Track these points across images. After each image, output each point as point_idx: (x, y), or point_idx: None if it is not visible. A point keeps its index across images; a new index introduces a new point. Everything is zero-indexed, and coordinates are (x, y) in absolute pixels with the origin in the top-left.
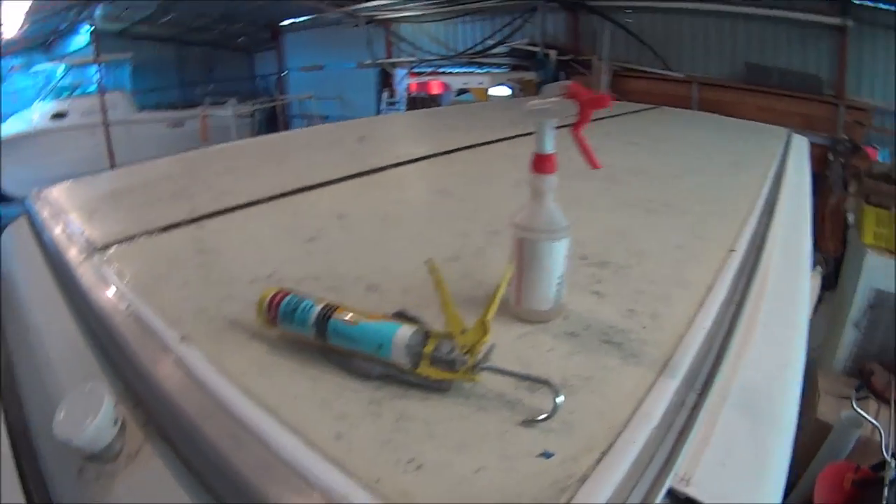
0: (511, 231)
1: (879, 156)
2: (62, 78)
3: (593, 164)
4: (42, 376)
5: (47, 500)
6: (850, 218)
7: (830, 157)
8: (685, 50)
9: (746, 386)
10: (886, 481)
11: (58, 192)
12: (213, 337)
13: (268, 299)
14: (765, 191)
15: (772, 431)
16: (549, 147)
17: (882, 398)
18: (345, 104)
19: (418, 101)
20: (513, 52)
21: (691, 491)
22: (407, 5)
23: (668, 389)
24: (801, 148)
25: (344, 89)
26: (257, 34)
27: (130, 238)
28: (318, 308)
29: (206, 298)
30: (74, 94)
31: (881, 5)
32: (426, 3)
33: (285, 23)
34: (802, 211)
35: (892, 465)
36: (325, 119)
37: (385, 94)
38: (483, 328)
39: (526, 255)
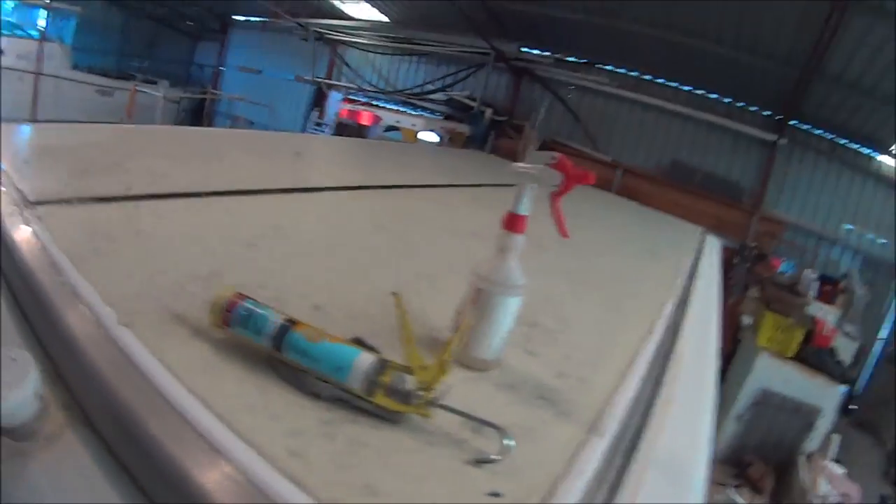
0: (471, 279)
1: (782, 266)
2: (8, 14)
3: (564, 234)
4: None
5: None
6: (746, 320)
7: (736, 260)
8: (616, 135)
9: (668, 454)
10: None
11: None
12: (154, 326)
13: (224, 300)
14: (679, 282)
15: (689, 494)
16: (525, 209)
17: (756, 488)
18: (273, 114)
19: (346, 128)
20: (450, 102)
21: None
22: (360, 32)
23: (598, 448)
24: (713, 247)
25: (276, 99)
26: (207, 22)
27: (66, 201)
28: (279, 319)
29: (146, 284)
30: (16, 33)
31: (817, 130)
32: (379, 34)
33: (237, 17)
34: (713, 305)
35: None
36: (252, 125)
37: (315, 114)
38: (443, 368)
39: (481, 305)
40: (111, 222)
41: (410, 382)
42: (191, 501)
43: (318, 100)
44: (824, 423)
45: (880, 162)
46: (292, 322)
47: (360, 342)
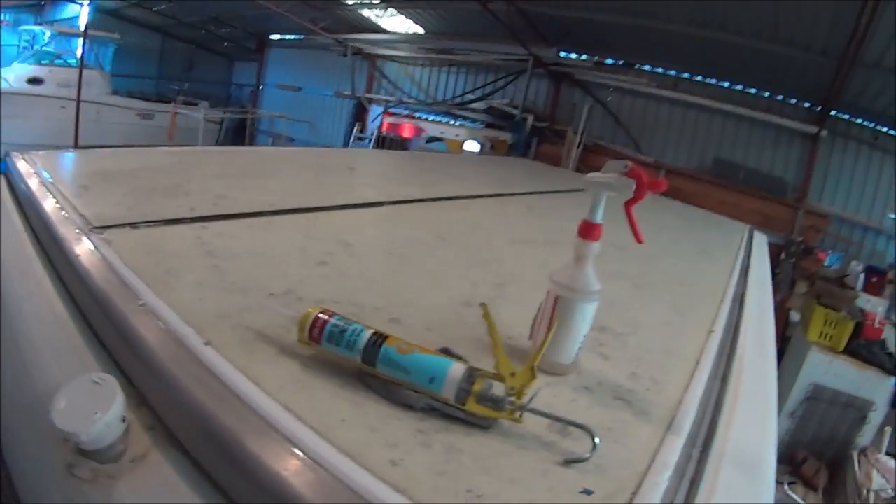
0: (550, 287)
1: (828, 260)
2: (47, 44)
3: (638, 239)
4: (23, 359)
5: (12, 496)
6: (794, 316)
7: (783, 256)
8: (658, 136)
9: (739, 447)
10: None
11: (43, 160)
12: (239, 346)
13: (313, 317)
14: (734, 280)
15: (762, 488)
16: (599, 217)
17: (811, 485)
18: (314, 130)
19: (388, 142)
20: (490, 110)
21: None
22: (397, 45)
23: (676, 444)
24: (761, 244)
25: (316, 115)
26: (243, 42)
27: (132, 225)
28: (369, 333)
29: (225, 304)
30: (55, 62)
31: (857, 120)
32: (417, 46)
33: (273, 37)
34: (767, 302)
35: None
36: (292, 141)
37: (356, 128)
38: (532, 374)
39: (560, 312)
40: (180, 244)
41: (499, 389)
42: None
43: (359, 114)
44: (877, 417)
45: None
46: (383, 336)
47: (448, 352)
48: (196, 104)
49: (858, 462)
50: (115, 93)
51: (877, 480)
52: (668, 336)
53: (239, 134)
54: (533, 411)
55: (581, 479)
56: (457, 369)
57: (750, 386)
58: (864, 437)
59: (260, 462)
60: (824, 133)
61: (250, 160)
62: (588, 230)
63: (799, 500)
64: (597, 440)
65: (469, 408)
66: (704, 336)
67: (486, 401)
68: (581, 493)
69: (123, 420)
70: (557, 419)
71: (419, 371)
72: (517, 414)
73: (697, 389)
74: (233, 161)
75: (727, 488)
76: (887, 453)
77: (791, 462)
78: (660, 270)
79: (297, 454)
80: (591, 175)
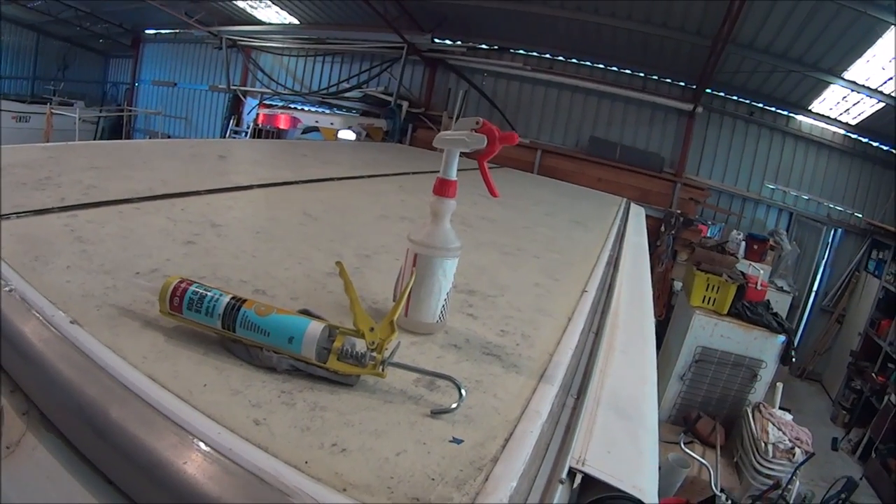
0: (408, 246)
1: (710, 231)
2: None
3: (493, 193)
4: None
5: None
6: (677, 285)
7: (662, 228)
8: (534, 117)
9: (615, 394)
10: None
11: None
12: (105, 322)
13: (172, 286)
14: (608, 246)
15: (642, 430)
16: (453, 174)
17: (707, 443)
18: (190, 125)
19: (264, 134)
20: (366, 98)
21: (587, 469)
22: (272, 36)
23: (549, 393)
24: (638, 214)
25: (192, 111)
26: (118, 38)
27: (3, 216)
28: (227, 298)
29: (92, 285)
30: None
31: (733, 97)
32: (291, 37)
33: (149, 31)
34: (643, 264)
35: (722, 498)
36: (169, 138)
37: (232, 122)
38: (391, 327)
39: (420, 270)
40: (49, 232)
41: (360, 346)
42: (164, 483)
43: (235, 107)
44: (767, 374)
45: (799, 121)
46: (241, 300)
47: (307, 313)
48: (72, 104)
49: (753, 417)
50: None
51: (773, 433)
52: (538, 296)
53: (116, 133)
54: (396, 365)
55: (450, 429)
56: (315, 328)
57: (626, 338)
58: (756, 393)
59: (124, 431)
60: (700, 110)
61: (123, 152)
62: (443, 187)
63: (697, 456)
64: (463, 391)
65: (331, 365)
66: (577, 296)
67: (348, 357)
68: (450, 442)
69: None
70: (421, 371)
71: (278, 332)
72: (380, 368)
73: (570, 342)
74: (105, 154)
75: (605, 432)
76: (781, 407)
77: (685, 421)
78: (532, 240)
79: (161, 421)
80: (442, 133)
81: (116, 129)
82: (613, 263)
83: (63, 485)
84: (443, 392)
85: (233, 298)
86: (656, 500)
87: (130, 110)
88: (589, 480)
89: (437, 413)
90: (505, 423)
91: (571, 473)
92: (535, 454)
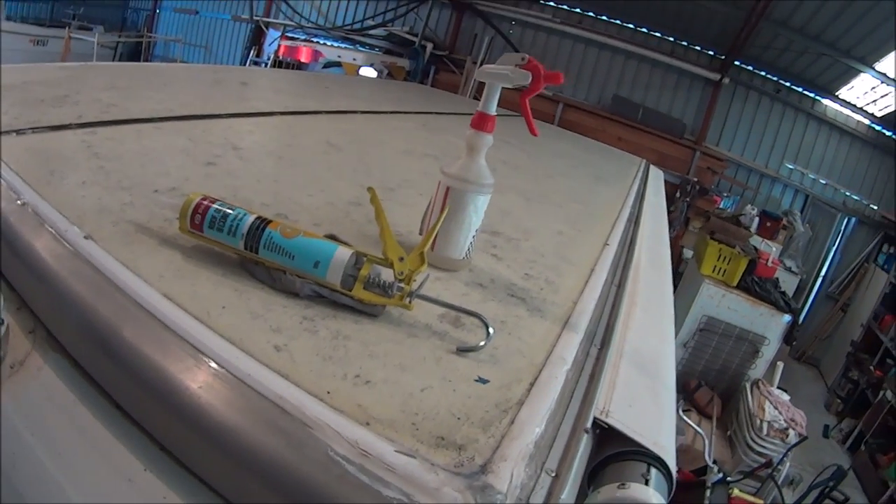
0: (441, 178)
1: (723, 204)
2: None
3: (533, 132)
4: None
5: None
6: (688, 253)
7: (678, 194)
8: (558, 70)
9: (637, 349)
10: (708, 483)
11: None
12: (120, 239)
13: (194, 203)
14: (629, 203)
15: (662, 388)
16: (493, 108)
17: (704, 413)
18: (210, 55)
19: (285, 66)
20: (390, 37)
21: (611, 421)
22: None
23: (573, 341)
24: (657, 177)
25: (213, 39)
26: None
27: (18, 131)
28: (251, 218)
29: (108, 201)
30: None
31: (761, 72)
32: None
33: None
34: (662, 225)
35: (714, 469)
36: None
37: (252, 52)
38: (421, 259)
39: (451, 203)
40: (66, 148)
41: (387, 275)
42: (178, 408)
43: (256, 38)
44: (769, 352)
45: (824, 106)
46: (266, 220)
47: (334, 238)
48: (90, 29)
49: (751, 393)
50: (8, 18)
51: (769, 412)
52: (562, 244)
53: (134, 59)
54: (424, 298)
55: (475, 368)
56: (343, 253)
57: (646, 295)
58: (757, 369)
59: (137, 351)
60: (726, 81)
61: (143, 74)
62: (482, 121)
63: (694, 425)
64: (491, 329)
65: (356, 294)
66: (599, 248)
67: (374, 287)
68: (476, 381)
69: (2, 322)
70: (450, 306)
71: (304, 255)
72: (406, 300)
73: (593, 293)
74: (125, 74)
75: (627, 385)
76: (778, 387)
77: (684, 389)
78: (555, 189)
79: (176, 342)
80: (486, 66)
81: (135, 56)
82: (634, 221)
83: (68, 408)
84: (468, 330)
85: (258, 219)
86: (674, 460)
87: (150, 36)
88: (607, 433)
89: (463, 351)
90: (530, 366)
91: (595, 424)
92: (560, 401)
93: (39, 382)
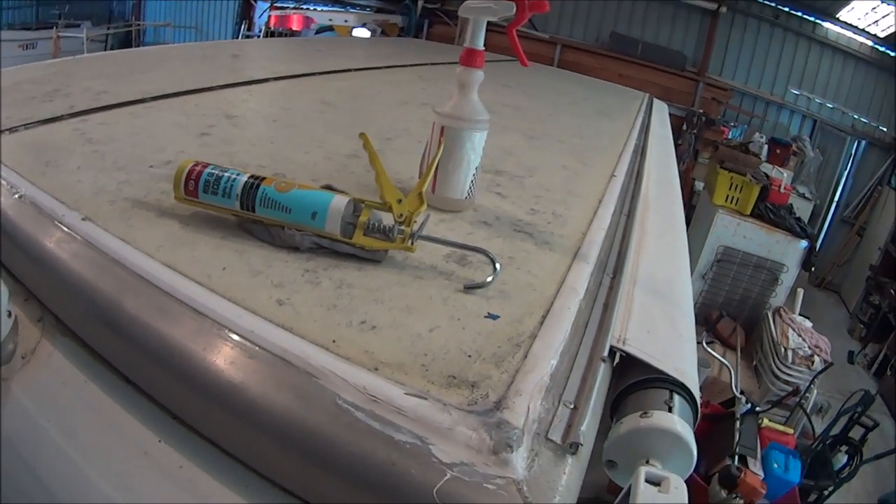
0: (435, 119)
1: (731, 134)
2: None
3: (523, 62)
4: None
5: None
6: (699, 185)
7: (684, 127)
8: (553, 12)
9: (651, 275)
10: (737, 415)
11: None
12: (118, 216)
13: (186, 170)
14: (634, 134)
15: (679, 313)
16: (480, 43)
17: (728, 344)
18: (201, 35)
19: (277, 36)
20: None
21: (629, 349)
22: None
23: (584, 271)
24: (662, 109)
25: (202, 19)
26: None
27: (11, 129)
28: (245, 177)
29: (104, 181)
30: None
31: None
32: None
33: None
34: (670, 156)
35: (742, 400)
36: None
37: (243, 26)
38: (420, 199)
39: (448, 143)
40: (59, 138)
41: (388, 219)
42: (184, 372)
43: (246, 12)
44: (788, 279)
45: (826, 29)
46: (259, 178)
47: (330, 188)
48: (78, 25)
49: (773, 321)
50: None
51: (793, 339)
52: (567, 178)
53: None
54: (426, 238)
55: (485, 304)
56: (339, 201)
57: (657, 223)
58: (777, 297)
59: (138, 322)
60: (724, 10)
61: (132, 59)
62: (470, 57)
63: (719, 356)
64: (498, 265)
65: (357, 241)
66: (606, 180)
67: (375, 232)
68: (486, 317)
69: (10, 315)
70: (453, 245)
71: (300, 208)
72: (409, 242)
73: (602, 223)
74: (114, 62)
75: (643, 312)
76: (801, 314)
77: (706, 321)
78: (558, 127)
79: (178, 307)
80: (469, 1)
81: (125, 46)
82: (640, 151)
83: (80, 388)
84: (475, 268)
85: (251, 177)
86: (697, 386)
87: (139, 24)
88: (626, 364)
89: (471, 288)
90: (541, 299)
91: (612, 353)
92: (574, 332)
93: (51, 368)
